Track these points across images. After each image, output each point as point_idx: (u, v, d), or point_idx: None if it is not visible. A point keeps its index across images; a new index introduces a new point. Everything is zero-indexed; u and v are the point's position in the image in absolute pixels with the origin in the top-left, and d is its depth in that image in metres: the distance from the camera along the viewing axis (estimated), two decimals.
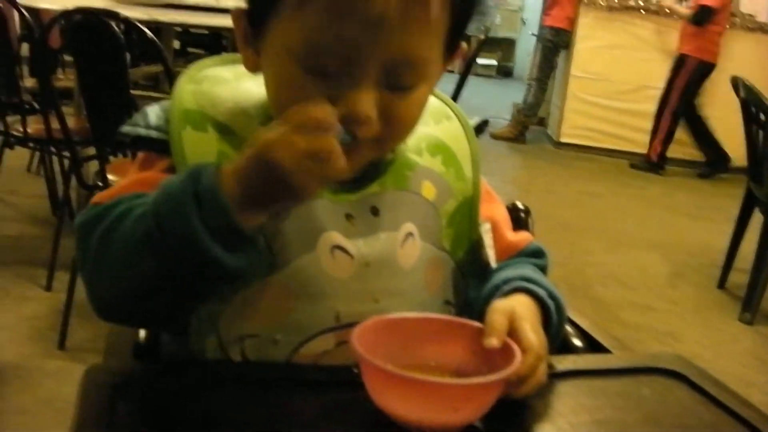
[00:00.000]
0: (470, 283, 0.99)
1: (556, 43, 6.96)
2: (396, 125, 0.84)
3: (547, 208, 4.88)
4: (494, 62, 12.15)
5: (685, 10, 6.50)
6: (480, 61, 10.20)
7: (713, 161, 6.72)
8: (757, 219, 3.74)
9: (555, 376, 0.87)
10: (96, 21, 2.42)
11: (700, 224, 5.17)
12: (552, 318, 0.92)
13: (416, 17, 0.78)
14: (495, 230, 1.01)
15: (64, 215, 3.09)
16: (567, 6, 6.85)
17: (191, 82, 0.91)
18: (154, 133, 0.88)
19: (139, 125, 0.89)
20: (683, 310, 3.72)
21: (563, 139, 7.09)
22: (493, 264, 0.99)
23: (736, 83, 3.79)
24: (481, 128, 1.24)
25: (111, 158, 2.74)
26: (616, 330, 3.31)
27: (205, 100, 0.89)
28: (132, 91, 2.62)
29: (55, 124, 2.78)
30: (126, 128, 0.90)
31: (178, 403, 0.77)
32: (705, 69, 6.36)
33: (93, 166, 2.85)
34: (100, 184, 2.64)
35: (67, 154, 3.18)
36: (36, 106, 3.34)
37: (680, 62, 6.41)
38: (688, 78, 6.37)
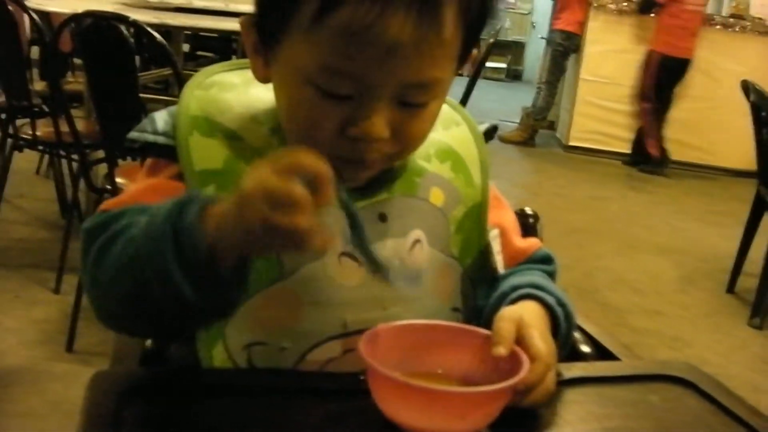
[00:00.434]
0: (478, 290, 0.99)
1: (566, 47, 6.95)
2: (407, 141, 0.84)
3: (556, 212, 4.87)
4: (504, 65, 12.14)
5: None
6: (489, 64, 10.18)
7: (638, 154, 6.73)
8: (766, 223, 3.72)
9: (563, 383, 0.87)
10: (106, 25, 2.42)
11: (710, 228, 5.15)
12: (561, 325, 0.92)
13: (430, 41, 0.77)
14: (503, 236, 1.00)
15: (73, 218, 3.10)
16: (577, 10, 6.84)
17: (199, 87, 0.91)
18: (161, 139, 0.88)
19: (146, 131, 0.89)
20: (693, 315, 3.70)
21: (573, 143, 7.07)
22: (501, 270, 0.98)
23: (747, 87, 3.77)
24: (490, 134, 1.23)
25: (120, 161, 2.74)
26: (625, 335, 3.30)
27: (212, 106, 0.89)
28: (141, 95, 2.63)
29: (64, 128, 2.79)
30: (133, 134, 0.90)
31: (184, 409, 0.77)
32: (671, 64, 6.34)
33: (102, 169, 2.86)
34: (109, 187, 2.64)
35: (76, 157, 3.20)
36: (46, 109, 3.35)
37: (647, 58, 6.47)
38: (655, 72, 6.40)
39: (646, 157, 6.62)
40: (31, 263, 3.30)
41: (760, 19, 6.92)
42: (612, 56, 6.83)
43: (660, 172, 6.58)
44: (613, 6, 6.83)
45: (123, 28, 2.42)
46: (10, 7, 3.11)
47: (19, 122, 3.36)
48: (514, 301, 0.91)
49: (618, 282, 3.98)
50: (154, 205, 0.75)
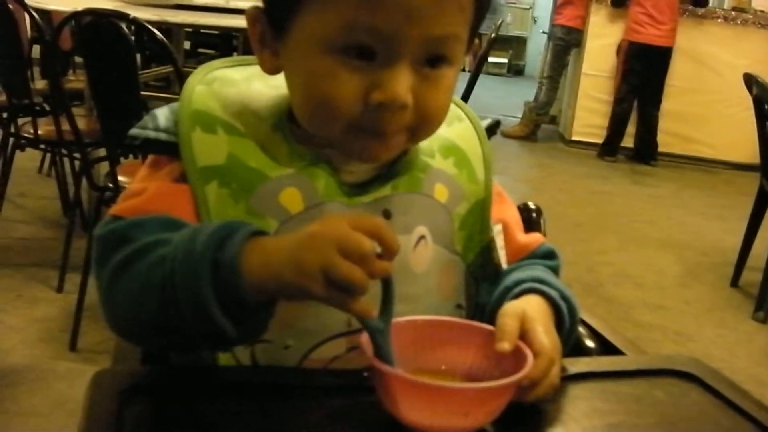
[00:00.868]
0: (481, 286, 0.98)
1: (567, 42, 6.94)
2: (426, 112, 0.83)
3: (559, 207, 4.87)
4: (505, 60, 12.14)
5: None
6: (491, 59, 10.18)
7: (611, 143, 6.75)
8: None
9: (567, 378, 0.86)
10: (106, 22, 2.42)
11: (713, 222, 5.15)
12: (564, 320, 0.91)
13: None
14: (506, 232, 1.00)
15: (75, 217, 3.10)
16: (579, 5, 6.83)
17: (200, 83, 0.91)
18: (163, 136, 0.87)
19: (148, 128, 0.88)
20: (697, 310, 3.70)
21: (575, 138, 7.07)
22: (504, 266, 0.98)
23: (749, 80, 3.77)
24: (493, 129, 1.22)
25: (122, 159, 2.74)
26: (629, 330, 3.29)
27: (214, 102, 0.89)
28: (142, 93, 2.63)
29: (65, 126, 2.79)
30: (135, 131, 0.89)
31: (187, 408, 0.76)
32: (639, 51, 6.39)
33: (104, 167, 2.86)
34: (111, 185, 2.64)
35: (77, 155, 3.19)
36: (47, 107, 3.35)
37: (617, 49, 6.62)
38: (624, 59, 6.49)
39: (612, 148, 6.71)
40: (34, 262, 3.30)
41: (762, 11, 6.91)
42: (614, 51, 6.81)
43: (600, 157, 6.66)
44: None
45: (123, 25, 2.42)
46: (10, 6, 3.11)
47: (20, 121, 3.36)
48: (517, 296, 0.91)
49: (621, 276, 3.97)
50: (181, 221, 0.77)
